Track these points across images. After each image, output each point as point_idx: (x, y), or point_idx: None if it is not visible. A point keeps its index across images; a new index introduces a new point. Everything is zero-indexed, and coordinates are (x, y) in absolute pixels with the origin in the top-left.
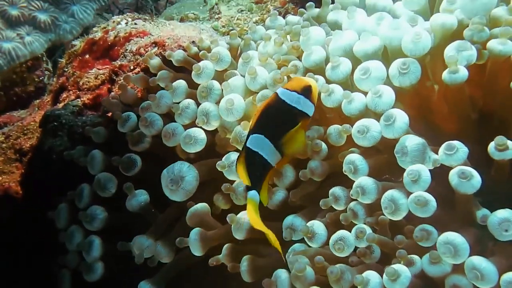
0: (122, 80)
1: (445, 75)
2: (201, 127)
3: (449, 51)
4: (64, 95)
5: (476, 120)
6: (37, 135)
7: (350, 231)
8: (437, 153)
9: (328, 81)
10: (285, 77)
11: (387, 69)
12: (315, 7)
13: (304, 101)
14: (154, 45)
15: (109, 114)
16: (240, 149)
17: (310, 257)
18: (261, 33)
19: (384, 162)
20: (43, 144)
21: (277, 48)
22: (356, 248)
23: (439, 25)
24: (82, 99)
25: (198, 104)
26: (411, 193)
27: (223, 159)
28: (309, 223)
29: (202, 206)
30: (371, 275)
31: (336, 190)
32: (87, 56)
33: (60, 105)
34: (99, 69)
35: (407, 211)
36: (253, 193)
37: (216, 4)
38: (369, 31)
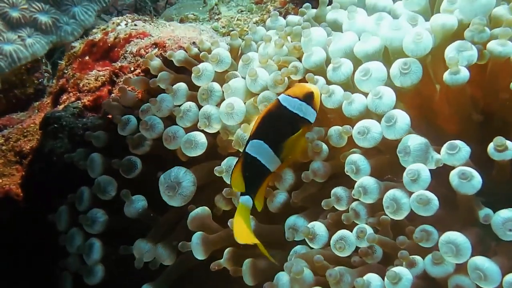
0: (122, 82)
1: (446, 76)
2: (202, 130)
3: (450, 51)
4: (64, 97)
5: (478, 120)
6: (37, 137)
7: (351, 231)
8: (439, 153)
9: (330, 82)
10: (286, 78)
11: (387, 70)
12: (313, 7)
13: (306, 108)
14: (154, 46)
15: (110, 116)
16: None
17: (310, 259)
18: (261, 33)
19: (386, 162)
20: (44, 146)
21: (278, 49)
22: (358, 248)
23: (439, 26)
24: (82, 100)
25: (199, 106)
26: (413, 192)
27: (222, 164)
28: (310, 224)
29: (202, 209)
30: (372, 278)
31: (338, 191)
32: (87, 57)
33: (60, 107)
34: (99, 70)
35: (409, 210)
36: (245, 198)
37: (216, 4)
38: (369, 31)
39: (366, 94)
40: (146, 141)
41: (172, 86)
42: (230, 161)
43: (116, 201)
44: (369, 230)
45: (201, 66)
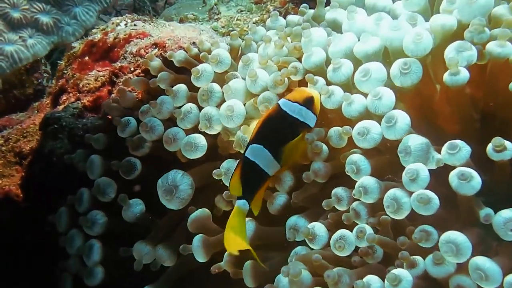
0: (122, 83)
1: (446, 77)
2: (203, 132)
3: (449, 52)
4: (64, 97)
5: (478, 120)
6: (37, 137)
7: (352, 232)
8: (440, 153)
9: (330, 83)
10: (286, 79)
11: (387, 70)
12: (312, 7)
13: (306, 112)
14: (154, 46)
15: (110, 116)
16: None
17: (310, 260)
18: (261, 33)
19: (387, 162)
20: (44, 147)
21: (277, 50)
22: (358, 248)
23: (439, 26)
24: (82, 101)
25: (199, 107)
26: (413, 192)
27: (221, 167)
28: (310, 225)
29: (202, 211)
30: (372, 280)
31: (339, 191)
32: (86, 58)
33: (60, 108)
34: (99, 71)
35: (409, 210)
36: (242, 202)
37: (215, 4)
38: (369, 31)
39: (366, 95)
40: (146, 143)
41: (172, 86)
42: (228, 164)
43: (116, 203)
44: (369, 230)
45: (200, 67)
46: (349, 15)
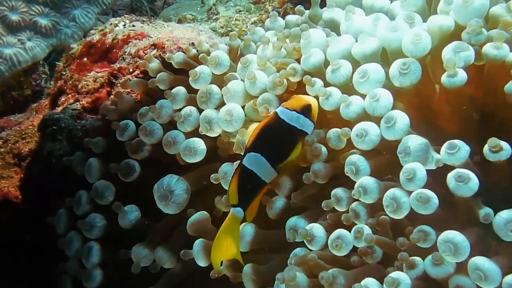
0: (120, 85)
1: (443, 78)
2: (203, 134)
3: (447, 52)
4: (63, 98)
5: (478, 120)
6: (35, 139)
7: (350, 232)
8: (439, 153)
9: (329, 84)
10: (285, 80)
11: (386, 71)
12: (308, 8)
13: (304, 120)
14: (153, 47)
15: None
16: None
17: (307, 261)
18: (260, 34)
19: (386, 162)
20: (42, 149)
21: (276, 52)
22: (357, 248)
23: (437, 27)
24: (81, 102)
25: (199, 109)
26: (411, 191)
27: (219, 170)
28: (308, 226)
29: (201, 214)
30: (369, 283)
31: (338, 191)
32: (85, 59)
33: (59, 109)
34: (97, 72)
35: (408, 209)
36: (237, 210)
37: (214, 4)
38: (367, 32)
39: (364, 96)
40: (145, 147)
41: (171, 88)
42: (226, 168)
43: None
44: (367, 230)
45: (198, 69)
46: (347, 16)
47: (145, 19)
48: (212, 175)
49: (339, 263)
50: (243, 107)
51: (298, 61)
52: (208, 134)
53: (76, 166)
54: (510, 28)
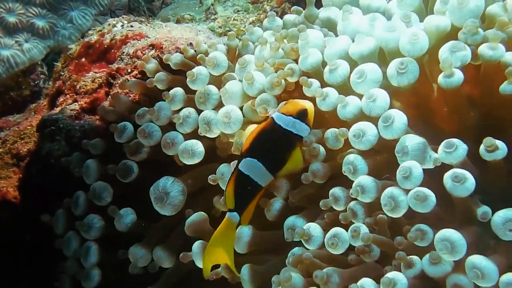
0: (118, 85)
1: (440, 79)
2: (203, 135)
3: (443, 52)
4: (61, 99)
5: (475, 119)
6: (34, 139)
7: (347, 231)
8: (436, 152)
9: (326, 84)
10: (283, 81)
11: (383, 71)
12: (304, 7)
13: (300, 125)
14: (151, 47)
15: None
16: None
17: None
18: (258, 34)
19: (384, 162)
20: (41, 149)
21: (273, 53)
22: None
23: (433, 27)
24: (79, 103)
25: (197, 110)
26: (407, 190)
27: (217, 171)
28: (306, 226)
29: (198, 215)
30: (366, 283)
31: (336, 191)
32: (83, 59)
33: (57, 109)
34: (96, 72)
35: (406, 208)
36: (233, 214)
37: (212, 4)
38: (364, 32)
39: (361, 96)
40: (144, 148)
41: (169, 88)
42: (224, 169)
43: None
44: (364, 229)
45: (195, 70)
46: (344, 16)
47: (143, 20)
48: (210, 176)
49: (336, 261)
50: (241, 108)
51: (296, 61)
52: (207, 135)
53: (74, 167)
54: (506, 28)
